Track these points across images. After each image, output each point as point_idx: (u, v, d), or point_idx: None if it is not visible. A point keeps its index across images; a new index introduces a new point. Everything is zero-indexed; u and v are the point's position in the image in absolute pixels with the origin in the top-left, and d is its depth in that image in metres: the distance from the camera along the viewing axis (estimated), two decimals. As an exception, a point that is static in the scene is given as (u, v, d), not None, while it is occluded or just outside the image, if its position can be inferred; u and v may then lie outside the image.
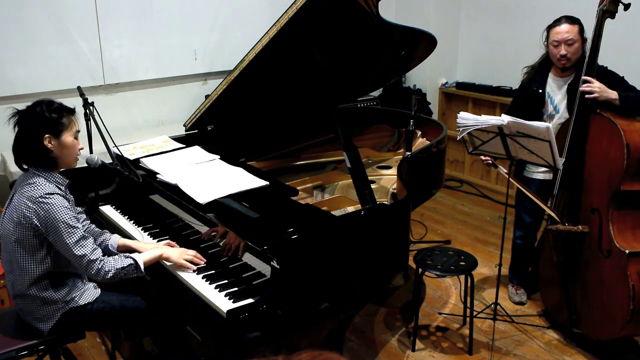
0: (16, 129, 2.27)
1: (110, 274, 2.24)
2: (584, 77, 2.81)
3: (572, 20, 2.98)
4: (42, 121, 2.22)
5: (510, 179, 2.84)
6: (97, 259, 2.23)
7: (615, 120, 2.70)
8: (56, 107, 2.27)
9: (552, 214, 2.85)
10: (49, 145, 2.24)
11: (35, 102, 2.28)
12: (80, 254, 2.21)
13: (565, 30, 2.94)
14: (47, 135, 2.23)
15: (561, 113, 3.08)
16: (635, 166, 2.68)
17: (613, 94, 2.77)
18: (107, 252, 2.50)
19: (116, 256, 2.32)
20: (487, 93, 5.17)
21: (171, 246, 2.55)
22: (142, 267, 2.31)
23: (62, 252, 2.24)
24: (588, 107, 2.81)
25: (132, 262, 2.30)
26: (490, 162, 3.07)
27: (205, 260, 2.42)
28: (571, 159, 2.84)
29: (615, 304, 2.76)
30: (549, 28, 3.02)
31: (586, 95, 2.78)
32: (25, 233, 2.24)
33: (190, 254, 2.41)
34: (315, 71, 2.74)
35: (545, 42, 3.06)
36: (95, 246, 2.28)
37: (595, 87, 2.77)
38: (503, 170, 2.89)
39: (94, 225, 2.62)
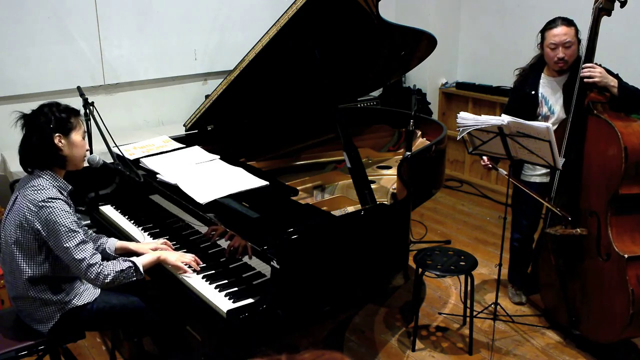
0: (23, 132, 2.29)
1: (109, 278, 2.24)
2: (585, 65, 2.80)
3: (568, 22, 2.95)
4: (52, 121, 2.25)
5: (511, 180, 2.84)
6: (97, 263, 2.23)
7: (613, 123, 2.69)
8: (64, 107, 2.32)
9: (561, 214, 2.81)
10: (59, 144, 2.26)
11: (41, 104, 2.32)
12: (79, 257, 2.21)
13: (562, 32, 2.92)
14: (57, 134, 2.25)
15: (557, 114, 3.07)
16: (634, 169, 2.66)
17: (613, 81, 2.78)
18: (104, 255, 2.51)
19: (114, 260, 2.31)
20: (487, 93, 5.17)
21: (167, 246, 2.55)
22: (141, 269, 2.31)
23: (62, 257, 2.24)
24: (585, 107, 2.80)
25: (131, 264, 2.29)
26: (490, 165, 3.06)
27: (201, 263, 2.41)
28: (570, 158, 2.84)
29: (615, 307, 2.75)
30: (545, 30, 3.00)
31: (585, 80, 2.78)
32: (25, 236, 2.24)
33: (188, 257, 2.40)
34: (315, 71, 2.74)
35: (540, 45, 3.04)
36: (94, 251, 2.28)
37: (596, 71, 2.77)
38: (503, 172, 2.89)
39: (91, 231, 2.62)
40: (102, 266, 2.24)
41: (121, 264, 2.28)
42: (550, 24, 2.98)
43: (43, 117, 2.26)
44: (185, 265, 2.38)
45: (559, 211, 2.83)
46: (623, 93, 2.77)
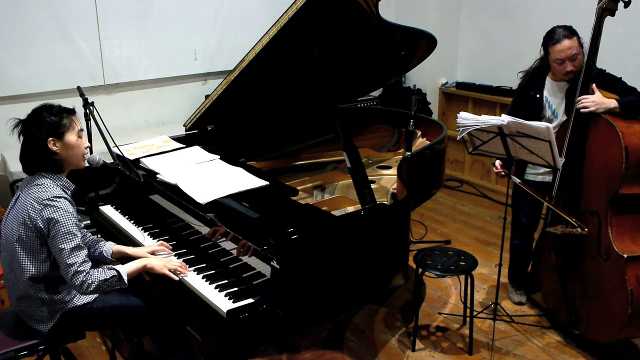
0: (21, 138, 2.30)
1: (92, 287, 2.24)
2: (579, 98, 2.78)
3: (570, 32, 2.89)
4: (43, 126, 2.25)
5: (523, 186, 2.82)
6: (84, 271, 2.23)
7: (613, 123, 2.69)
8: (56, 109, 2.30)
9: (567, 217, 2.80)
10: (54, 148, 2.26)
11: (34, 109, 2.31)
12: (70, 262, 2.21)
13: (567, 46, 2.86)
14: (50, 139, 2.25)
15: (560, 117, 3.07)
16: (634, 169, 2.66)
17: (612, 103, 2.73)
18: (101, 258, 2.53)
19: (100, 268, 2.30)
20: (487, 93, 5.17)
21: (164, 247, 2.56)
22: (125, 279, 2.31)
23: (55, 256, 2.25)
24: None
25: (115, 274, 2.29)
26: (503, 173, 3.04)
27: (188, 268, 2.41)
28: (571, 158, 2.83)
29: (614, 307, 2.75)
30: (548, 45, 2.92)
31: (582, 110, 2.76)
32: (28, 234, 2.24)
33: (175, 264, 2.39)
34: (315, 71, 2.74)
35: (544, 55, 3.00)
36: (86, 258, 2.27)
37: (589, 101, 2.74)
38: (517, 180, 2.86)
39: (90, 234, 2.62)
40: (88, 274, 2.23)
41: (106, 273, 2.28)
42: (553, 38, 2.90)
43: (35, 123, 2.26)
44: (172, 271, 2.37)
45: (579, 226, 2.77)
46: (625, 109, 2.73)
